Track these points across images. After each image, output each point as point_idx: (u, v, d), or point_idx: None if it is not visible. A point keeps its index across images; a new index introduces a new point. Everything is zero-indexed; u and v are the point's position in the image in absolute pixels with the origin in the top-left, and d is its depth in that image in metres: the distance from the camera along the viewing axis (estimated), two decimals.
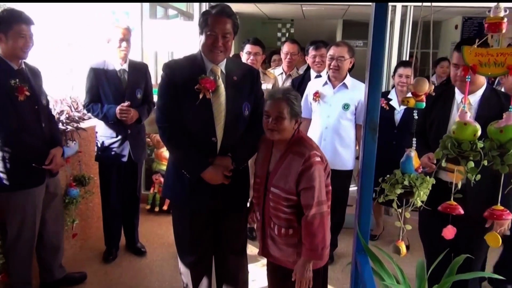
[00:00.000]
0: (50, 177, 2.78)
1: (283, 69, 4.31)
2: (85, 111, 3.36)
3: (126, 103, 3.16)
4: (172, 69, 2.22)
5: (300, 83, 3.85)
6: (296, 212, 2.05)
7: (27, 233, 2.70)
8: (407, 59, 4.35)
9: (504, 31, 1.46)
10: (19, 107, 2.50)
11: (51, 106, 2.98)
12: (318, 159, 1.99)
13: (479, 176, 1.53)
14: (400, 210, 1.68)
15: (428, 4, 1.68)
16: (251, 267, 3.00)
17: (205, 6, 4.53)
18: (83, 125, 3.38)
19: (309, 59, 4.05)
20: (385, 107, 3.54)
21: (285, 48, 4.13)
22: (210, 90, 2.13)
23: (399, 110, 3.56)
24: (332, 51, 3.27)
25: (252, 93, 2.29)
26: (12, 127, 2.49)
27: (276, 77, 3.89)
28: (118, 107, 3.14)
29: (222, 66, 2.23)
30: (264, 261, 2.94)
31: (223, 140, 2.20)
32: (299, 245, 2.07)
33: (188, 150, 2.19)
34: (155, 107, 2.31)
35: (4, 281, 2.75)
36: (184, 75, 2.17)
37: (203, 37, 2.15)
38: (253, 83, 2.31)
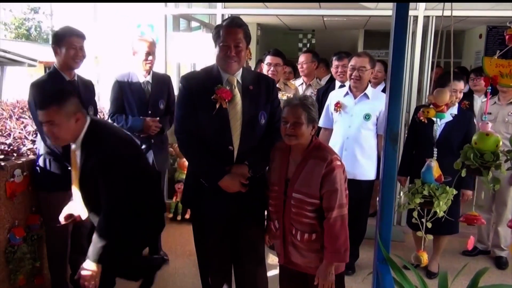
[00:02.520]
0: None
1: (303, 80, 4.33)
2: (110, 121, 3.45)
3: (153, 119, 3.27)
4: (189, 81, 2.29)
5: (324, 93, 3.87)
6: (318, 216, 2.09)
7: (61, 234, 2.80)
8: (429, 70, 4.31)
9: None
10: None
11: None
12: (339, 162, 2.06)
13: (498, 186, 1.53)
14: (421, 219, 1.68)
15: (449, 14, 1.69)
16: (270, 276, 3.01)
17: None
18: None
19: (332, 70, 4.08)
20: (423, 120, 3.19)
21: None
22: (227, 100, 2.19)
23: (439, 124, 3.19)
24: (353, 61, 3.29)
25: (268, 102, 2.33)
26: None
27: (297, 88, 3.91)
28: (146, 122, 3.24)
29: (238, 76, 2.29)
30: None
31: (240, 148, 2.25)
32: (322, 250, 2.10)
33: (206, 159, 2.24)
34: (174, 118, 2.38)
35: (39, 283, 2.86)
36: (201, 86, 2.23)
37: (217, 50, 2.23)
38: (269, 92, 2.35)
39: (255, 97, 2.29)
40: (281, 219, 2.18)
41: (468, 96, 5.08)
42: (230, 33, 2.17)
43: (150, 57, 3.28)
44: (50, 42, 2.80)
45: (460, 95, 3.22)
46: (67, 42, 2.67)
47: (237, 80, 2.28)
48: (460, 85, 3.18)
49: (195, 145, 2.25)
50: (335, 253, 2.04)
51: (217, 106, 2.18)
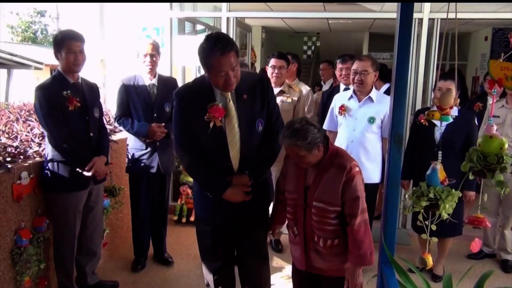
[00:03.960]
0: (94, 184, 2.93)
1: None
2: (116, 124, 3.49)
3: (159, 125, 3.30)
4: (182, 98, 2.22)
5: (329, 96, 3.87)
6: (340, 222, 2.10)
7: (68, 235, 2.85)
8: (434, 72, 4.30)
9: None
10: (69, 116, 2.72)
11: None
12: (357, 169, 2.07)
13: (508, 190, 1.52)
14: (426, 222, 1.68)
15: (453, 16, 1.69)
16: (275, 279, 3.01)
17: (232, 28, 4.61)
18: (114, 137, 3.49)
19: (337, 72, 4.08)
20: (424, 123, 3.28)
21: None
22: (220, 118, 2.14)
23: (440, 127, 3.25)
24: (355, 65, 3.29)
25: (264, 107, 2.26)
26: (62, 133, 2.70)
27: (301, 90, 3.91)
28: (151, 128, 3.27)
29: None
30: (288, 272, 2.95)
31: (240, 162, 2.23)
32: (345, 253, 2.12)
33: (207, 175, 2.24)
34: (173, 136, 2.35)
35: (45, 285, 2.88)
36: (194, 102, 2.17)
37: (211, 76, 2.10)
38: (264, 95, 2.26)
39: (250, 106, 2.22)
40: (301, 226, 2.18)
41: (482, 98, 5.06)
42: (225, 61, 2.01)
43: (149, 59, 3.30)
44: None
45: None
46: (66, 46, 2.69)
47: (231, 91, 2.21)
48: (447, 85, 3.09)
49: (195, 162, 2.25)
50: (361, 256, 2.06)
51: (211, 125, 2.13)
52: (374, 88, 3.36)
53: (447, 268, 3.50)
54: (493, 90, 1.53)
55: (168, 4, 4.60)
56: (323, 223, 2.11)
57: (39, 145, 2.97)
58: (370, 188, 3.33)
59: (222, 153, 2.20)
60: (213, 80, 2.12)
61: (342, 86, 4.03)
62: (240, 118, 2.19)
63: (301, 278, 2.34)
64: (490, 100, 4.81)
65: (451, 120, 1.72)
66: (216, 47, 1.99)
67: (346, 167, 2.03)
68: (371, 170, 3.30)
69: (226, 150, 2.20)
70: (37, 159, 2.83)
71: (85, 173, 2.76)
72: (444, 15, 4.13)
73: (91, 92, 2.93)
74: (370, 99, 3.31)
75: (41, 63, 9.14)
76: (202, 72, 4.81)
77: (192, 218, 4.50)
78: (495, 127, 1.51)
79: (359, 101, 3.33)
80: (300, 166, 2.13)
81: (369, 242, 2.07)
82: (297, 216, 2.19)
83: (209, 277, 2.48)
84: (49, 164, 2.75)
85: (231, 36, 4.55)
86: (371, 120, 3.26)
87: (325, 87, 5.16)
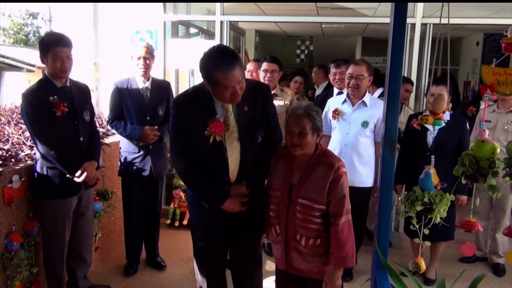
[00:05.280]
0: (85, 189, 2.89)
1: None
2: (109, 127, 3.47)
3: (152, 128, 3.28)
4: (180, 108, 2.15)
5: (323, 100, 3.88)
6: (324, 221, 2.11)
7: (58, 242, 2.81)
8: (427, 77, 4.34)
9: None
10: (57, 122, 2.66)
11: None
12: (344, 169, 2.09)
13: (500, 194, 1.53)
14: (418, 226, 1.69)
15: (446, 21, 1.71)
16: (268, 282, 3.01)
17: (226, 31, 4.61)
18: (107, 140, 3.47)
19: (330, 77, 4.09)
20: (416, 127, 3.30)
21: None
22: (220, 133, 2.11)
23: (432, 131, 3.22)
24: (351, 69, 3.31)
25: (264, 117, 2.24)
26: (50, 139, 2.64)
27: (293, 93, 3.92)
28: (144, 131, 3.25)
29: None
30: None
31: (238, 174, 2.21)
32: (326, 255, 2.12)
33: (205, 187, 2.21)
34: (170, 145, 2.31)
35: None
36: (193, 114, 2.12)
37: (216, 91, 2.03)
38: (264, 104, 2.22)
39: (251, 118, 2.18)
40: (284, 224, 2.18)
41: (475, 102, 5.10)
42: (232, 77, 1.95)
43: (143, 62, 3.28)
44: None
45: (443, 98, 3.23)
46: (52, 53, 2.62)
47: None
48: (439, 90, 3.12)
49: (193, 174, 2.22)
50: (343, 258, 2.07)
51: (211, 140, 2.09)
52: (367, 92, 3.38)
53: (439, 272, 3.52)
54: (485, 95, 1.54)
55: (161, 7, 4.60)
56: (307, 221, 2.11)
57: (31, 148, 2.95)
58: (363, 192, 3.34)
59: (221, 167, 2.18)
60: (218, 95, 2.05)
61: (335, 90, 4.05)
62: (240, 131, 2.17)
63: (284, 280, 2.34)
64: (482, 105, 4.86)
65: (443, 124, 1.73)
66: (222, 64, 1.92)
67: (334, 166, 2.06)
68: (364, 174, 3.31)
69: (226, 164, 2.18)
70: (29, 162, 2.81)
71: (76, 179, 2.72)
72: (436, 20, 4.16)
73: (81, 95, 2.86)
74: (364, 103, 3.32)
75: (33, 66, 9.07)
76: (196, 75, 4.82)
77: (185, 222, 4.48)
78: (487, 132, 1.52)
79: (353, 105, 3.34)
80: (292, 153, 2.11)
81: (351, 243, 2.08)
82: (280, 214, 2.19)
83: (202, 280, 2.47)
84: (39, 169, 2.71)
85: (224, 40, 4.58)
86: (365, 124, 3.28)
87: (318, 91, 5.17)
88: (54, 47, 2.62)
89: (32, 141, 3.01)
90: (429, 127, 3.21)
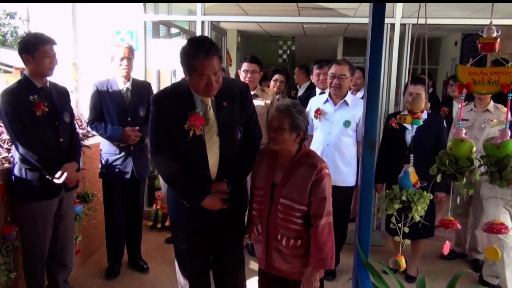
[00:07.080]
0: (66, 192, 2.85)
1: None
2: (89, 129, 3.42)
3: (133, 128, 3.24)
4: (160, 104, 2.17)
5: (305, 101, 3.89)
6: (305, 222, 2.11)
7: (39, 245, 2.76)
8: (407, 76, 4.39)
9: (497, 50, 1.50)
10: (37, 122, 2.62)
11: None
12: (327, 171, 2.09)
13: (471, 191, 1.57)
14: (399, 224, 1.70)
15: (424, 21, 1.73)
16: (251, 283, 3.00)
17: (208, 32, 4.60)
18: (87, 142, 3.42)
19: (313, 78, 4.11)
20: (395, 126, 3.35)
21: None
22: (200, 127, 2.12)
23: (411, 130, 3.39)
24: (333, 69, 3.32)
25: (243, 114, 2.26)
26: (29, 139, 2.60)
27: (274, 93, 3.93)
28: (125, 132, 3.21)
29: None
30: None
31: (218, 170, 2.22)
32: (306, 256, 2.12)
33: (185, 183, 2.21)
34: (149, 142, 2.30)
35: None
36: (173, 109, 2.13)
37: (192, 79, 2.06)
38: (243, 102, 2.25)
39: (230, 114, 2.20)
40: (265, 224, 2.18)
41: (447, 102, 5.19)
42: (208, 65, 1.99)
43: (125, 63, 3.25)
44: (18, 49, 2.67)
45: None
46: (41, 51, 2.60)
47: (211, 98, 2.17)
48: (417, 89, 3.14)
49: (173, 171, 2.21)
50: (322, 260, 2.06)
51: (191, 134, 2.10)
52: (349, 92, 3.40)
53: (420, 269, 3.57)
54: (461, 95, 1.56)
55: (142, 7, 4.56)
56: (288, 221, 2.11)
57: (8, 150, 2.89)
58: (346, 191, 3.37)
59: (201, 161, 2.18)
60: (194, 84, 2.08)
61: (318, 90, 4.07)
62: (219, 126, 2.18)
63: (266, 280, 2.34)
64: (456, 105, 4.94)
65: (421, 123, 1.76)
66: (200, 49, 1.97)
67: (317, 167, 2.06)
68: (346, 173, 3.33)
69: (205, 158, 2.18)
70: (6, 165, 2.75)
71: (56, 181, 2.68)
72: (415, 21, 4.21)
73: (60, 97, 2.84)
74: (346, 103, 3.34)
75: (11, 67, 8.89)
76: (178, 76, 4.78)
77: (167, 223, 4.45)
78: (464, 131, 1.55)
79: (335, 105, 3.36)
80: (270, 146, 2.13)
81: (331, 245, 2.08)
82: (262, 213, 2.20)
83: (184, 282, 2.46)
84: (17, 171, 2.66)
85: None
86: (347, 123, 3.30)
87: (301, 91, 5.20)
88: (43, 45, 2.62)
89: (9, 144, 2.95)
90: (408, 126, 3.25)
